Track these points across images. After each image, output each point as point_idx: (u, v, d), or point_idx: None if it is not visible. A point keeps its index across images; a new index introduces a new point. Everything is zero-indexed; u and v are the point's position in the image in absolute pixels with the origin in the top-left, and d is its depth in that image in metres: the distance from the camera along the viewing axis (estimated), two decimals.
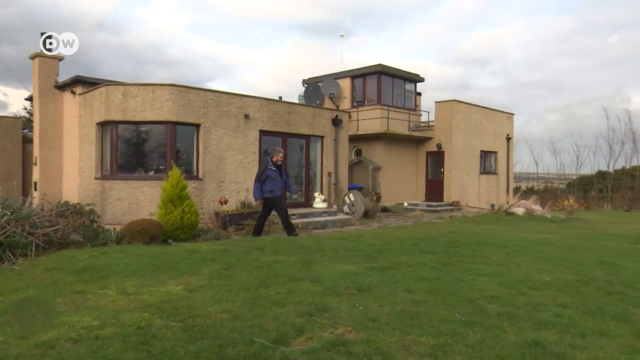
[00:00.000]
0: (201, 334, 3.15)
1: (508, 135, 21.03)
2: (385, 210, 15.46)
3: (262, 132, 12.17)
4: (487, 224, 12.56)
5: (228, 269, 5.32)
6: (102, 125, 10.64)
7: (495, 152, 20.45)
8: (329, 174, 13.83)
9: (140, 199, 10.07)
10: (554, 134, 67.73)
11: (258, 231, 9.24)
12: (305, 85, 19.57)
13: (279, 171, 9.13)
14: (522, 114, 67.50)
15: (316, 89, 18.67)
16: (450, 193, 17.84)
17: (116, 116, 10.21)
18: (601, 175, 31.96)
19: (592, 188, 31.05)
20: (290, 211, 11.88)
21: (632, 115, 51.11)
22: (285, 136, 12.79)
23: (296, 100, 18.67)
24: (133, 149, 10.76)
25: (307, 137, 13.46)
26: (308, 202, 13.32)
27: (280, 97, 13.49)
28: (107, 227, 8.70)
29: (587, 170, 33.83)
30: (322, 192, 13.46)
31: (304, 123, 13.21)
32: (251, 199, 11.58)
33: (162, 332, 3.19)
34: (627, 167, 31.28)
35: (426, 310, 3.74)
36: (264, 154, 12.49)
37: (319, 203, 12.91)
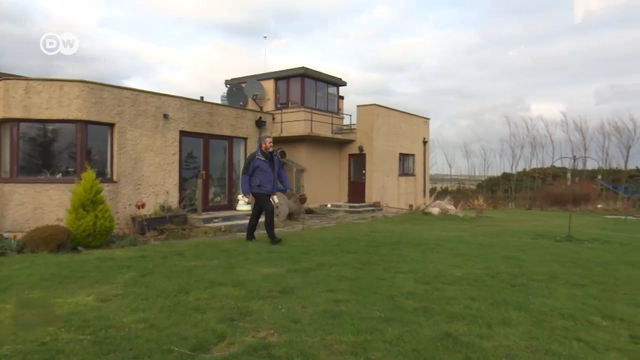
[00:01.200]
0: (114, 346, 2.97)
1: (424, 138, 22.17)
2: (309, 211, 15.61)
3: (183, 133, 11.78)
4: (405, 223, 13.13)
5: (145, 276, 5.07)
6: (1, 123, 9.68)
7: (413, 155, 21.45)
8: None
9: (46, 204, 9.30)
10: (465, 138, 72.52)
11: (250, 234, 8.20)
12: (228, 86, 19.23)
13: (269, 161, 7.92)
14: (437, 118, 71.52)
15: (239, 90, 18.43)
16: (372, 194, 18.43)
17: (17, 113, 9.34)
18: (506, 176, 34.73)
19: (498, 188, 33.66)
20: (212, 214, 11.61)
21: (531, 122, 56.23)
22: (207, 137, 12.48)
23: (219, 101, 18.29)
24: (38, 149, 9.90)
25: (230, 139, 13.24)
26: (231, 204, 13.09)
27: (202, 97, 13.15)
28: (6, 235, 7.93)
29: (494, 172, 36.61)
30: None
31: (226, 124, 12.98)
32: (172, 202, 11.15)
33: (69, 346, 2.96)
34: (528, 169, 34.31)
35: (347, 309, 3.82)
36: (186, 157, 12.10)
37: (242, 205, 12.73)
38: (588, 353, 3.00)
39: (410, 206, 19.72)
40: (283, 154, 17.99)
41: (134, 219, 9.83)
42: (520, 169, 34.60)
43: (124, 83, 64.38)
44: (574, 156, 29.32)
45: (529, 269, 5.85)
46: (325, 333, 3.23)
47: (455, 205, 19.35)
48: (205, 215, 11.35)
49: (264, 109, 17.47)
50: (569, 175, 28.36)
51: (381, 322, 3.50)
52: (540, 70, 70.44)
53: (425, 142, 22.22)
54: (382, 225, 12.61)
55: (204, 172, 12.38)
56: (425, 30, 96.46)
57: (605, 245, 8.79)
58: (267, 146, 7.94)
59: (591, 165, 31.98)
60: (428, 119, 22.78)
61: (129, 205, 10.17)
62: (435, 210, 16.38)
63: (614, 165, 32.10)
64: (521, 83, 68.86)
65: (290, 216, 13.39)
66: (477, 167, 38.81)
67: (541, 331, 3.39)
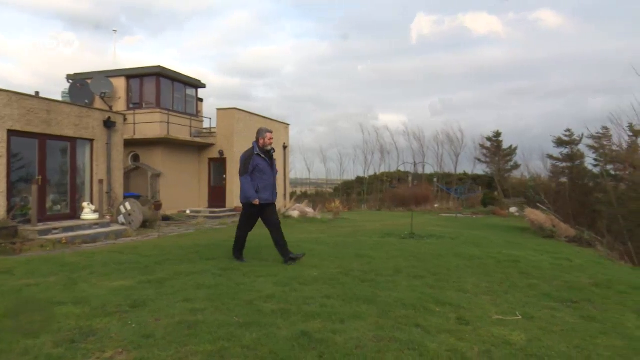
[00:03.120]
0: None
1: (285, 144, 22.70)
2: (166, 218, 14.81)
3: (12, 133, 10.25)
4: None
5: None
6: None
7: (274, 160, 21.80)
8: (101, 181, 12.50)
9: None
10: (323, 144, 76.18)
11: (239, 253, 6.66)
12: (71, 81, 17.26)
13: (268, 160, 6.44)
14: (297, 124, 73.86)
15: (84, 87, 16.68)
16: (233, 199, 18.23)
17: None
18: (359, 180, 37.39)
19: (353, 192, 36.05)
20: (51, 225, 10.30)
21: (380, 131, 61.51)
22: (43, 138, 11.04)
23: (59, 98, 16.31)
24: None
25: (73, 140, 11.91)
26: (75, 213, 11.77)
27: (38, 93, 11.58)
28: None
29: (350, 176, 39.17)
30: (92, 202, 12.07)
31: (68, 124, 11.64)
32: None
33: None
34: (378, 173, 37.41)
35: (205, 318, 3.71)
36: (17, 159, 10.53)
37: (88, 214, 11.53)
38: (424, 337, 3.37)
39: None
40: (136, 157, 16.80)
41: None
42: (372, 173, 37.58)
43: None
44: (415, 162, 32.87)
45: (377, 265, 6.36)
46: (181, 345, 3.09)
47: (314, 208, 20.18)
48: (42, 227, 9.99)
49: (114, 109, 16.09)
50: (410, 178, 31.69)
51: (239, 327, 3.47)
52: (385, 84, 77.43)
53: (285, 147, 22.76)
54: None
55: (40, 177, 10.90)
56: (282, 39, 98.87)
57: (440, 241, 9.99)
58: (267, 142, 6.40)
59: (429, 169, 36.13)
60: (288, 124, 23.39)
61: None
62: (295, 213, 16.86)
63: (447, 170, 36.77)
64: (370, 94, 74.89)
65: (145, 224, 12.54)
66: (334, 172, 41.05)
67: (386, 321, 3.72)
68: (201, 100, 20.31)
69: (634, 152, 17.18)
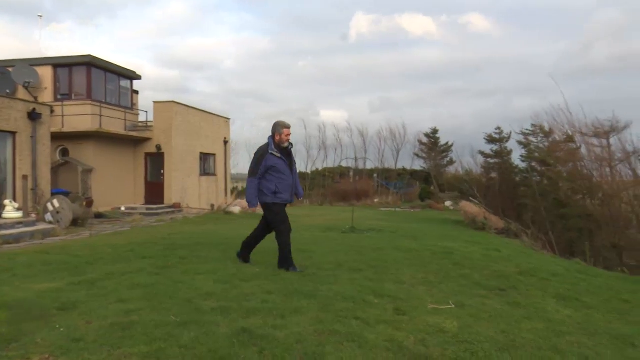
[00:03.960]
0: None
1: (225, 138, 22.30)
2: (99, 216, 14.11)
3: None
4: (207, 224, 12.99)
5: None
6: None
7: (214, 155, 21.37)
8: (25, 177, 11.66)
9: None
10: (266, 139, 75.47)
11: (246, 253, 6.13)
12: None
13: (285, 159, 5.65)
14: (238, 119, 72.97)
15: (5, 75, 15.46)
16: (171, 195, 17.68)
17: None
18: (302, 175, 37.51)
19: None
20: None
21: (321, 126, 62.02)
22: None
23: None
24: None
25: None
26: None
27: None
28: None
29: None
30: (15, 200, 11.23)
31: None
32: None
33: None
34: (320, 168, 37.74)
35: (140, 318, 3.58)
36: None
37: (11, 212, 10.72)
38: (363, 328, 3.45)
39: (212, 206, 19.58)
40: (65, 151, 15.82)
41: None
42: (314, 168, 37.83)
43: None
44: (356, 157, 33.46)
45: (318, 260, 6.42)
46: (113, 348, 2.96)
47: None
48: None
49: (40, 100, 15.03)
50: (351, 173, 32.24)
51: (177, 327, 3.38)
52: (326, 80, 77.98)
53: (226, 142, 22.36)
54: (182, 226, 12.20)
55: None
56: (222, 32, 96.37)
57: (379, 234, 10.26)
58: (285, 139, 5.63)
59: (370, 165, 36.94)
60: (229, 119, 23.01)
61: None
62: (236, 209, 16.63)
63: (387, 165, 37.77)
64: (311, 91, 75.21)
65: (76, 222, 11.87)
66: None
67: (327, 315, 3.77)
68: (137, 92, 19.47)
69: (552, 150, 18.52)
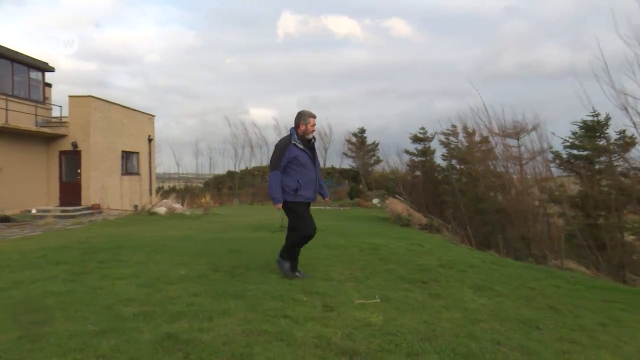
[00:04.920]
0: None
1: (150, 136, 21.36)
2: (5, 220, 12.94)
3: None
4: (129, 225, 12.36)
5: None
6: None
7: (138, 153, 20.39)
8: None
9: None
10: (192, 137, 73.36)
11: (292, 265, 5.28)
12: None
13: (309, 152, 5.14)
14: (163, 116, 69.94)
15: None
16: (90, 196, 16.62)
17: None
18: (230, 174, 36.88)
19: (224, 186, 35.41)
20: None
21: (250, 125, 61.36)
22: None
23: None
24: None
25: None
26: None
27: None
28: None
29: (220, 170, 38.40)
30: None
31: None
32: None
33: None
34: (249, 167, 37.31)
35: (53, 329, 3.33)
36: None
37: None
38: (292, 326, 3.47)
39: (136, 207, 18.68)
40: None
41: None
42: (243, 167, 37.33)
43: None
44: None
45: (247, 260, 6.34)
46: None
47: (183, 204, 19.37)
48: None
49: None
50: None
51: (95, 336, 3.19)
52: (255, 78, 77.18)
53: (150, 140, 21.42)
54: (102, 229, 11.51)
55: None
56: (145, 24, 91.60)
57: None
58: (310, 129, 5.11)
59: None
60: (153, 116, 22.04)
61: None
62: (162, 210, 16.00)
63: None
64: (240, 88, 74.11)
65: None
66: (204, 166, 39.86)
67: (255, 314, 3.74)
68: (49, 85, 18.07)
69: (470, 149, 19.78)
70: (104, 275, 5.21)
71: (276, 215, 14.87)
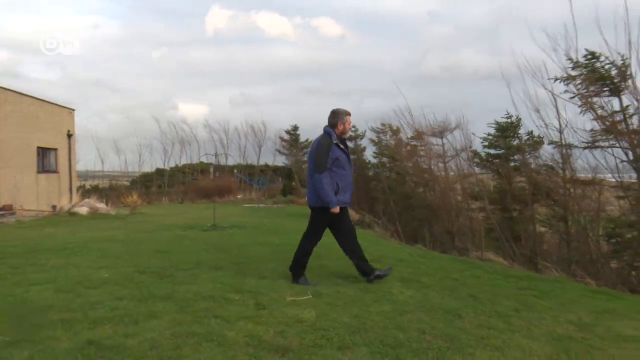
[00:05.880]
0: None
1: (69, 131, 20.01)
2: None
3: None
4: (47, 227, 11.51)
5: None
6: None
7: (56, 149, 19.04)
8: None
9: None
10: (117, 134, 69.39)
11: (370, 270, 5.10)
12: None
13: (346, 153, 4.96)
14: (84, 111, 65.52)
15: None
16: (0, 196, 15.25)
17: None
18: (159, 172, 35.39)
19: (152, 184, 33.92)
20: None
21: (179, 121, 59.36)
22: None
23: None
24: None
25: None
26: None
27: None
28: None
29: (148, 168, 36.63)
30: None
31: None
32: None
33: None
34: (179, 165, 36.06)
35: None
36: None
37: None
38: (223, 326, 3.42)
39: (54, 207, 17.41)
40: None
41: None
42: (172, 164, 35.98)
43: None
44: (216, 153, 32.77)
45: (177, 260, 6.15)
46: None
47: (107, 203, 18.35)
48: None
49: None
50: (211, 170, 31.51)
51: (6, 347, 2.95)
52: (184, 73, 74.52)
53: (70, 135, 20.06)
54: (15, 232, 10.61)
55: None
56: (62, 12, 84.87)
57: (242, 231, 10.22)
58: (348, 128, 5.02)
59: (232, 161, 36.42)
60: (73, 110, 20.66)
61: None
62: (83, 210, 15.04)
63: (250, 161, 37.67)
64: (168, 83, 71.21)
65: None
66: (131, 163, 37.84)
67: (184, 316, 3.64)
68: None
69: (397, 147, 20.50)
70: (17, 282, 4.82)
71: (208, 214, 14.53)
